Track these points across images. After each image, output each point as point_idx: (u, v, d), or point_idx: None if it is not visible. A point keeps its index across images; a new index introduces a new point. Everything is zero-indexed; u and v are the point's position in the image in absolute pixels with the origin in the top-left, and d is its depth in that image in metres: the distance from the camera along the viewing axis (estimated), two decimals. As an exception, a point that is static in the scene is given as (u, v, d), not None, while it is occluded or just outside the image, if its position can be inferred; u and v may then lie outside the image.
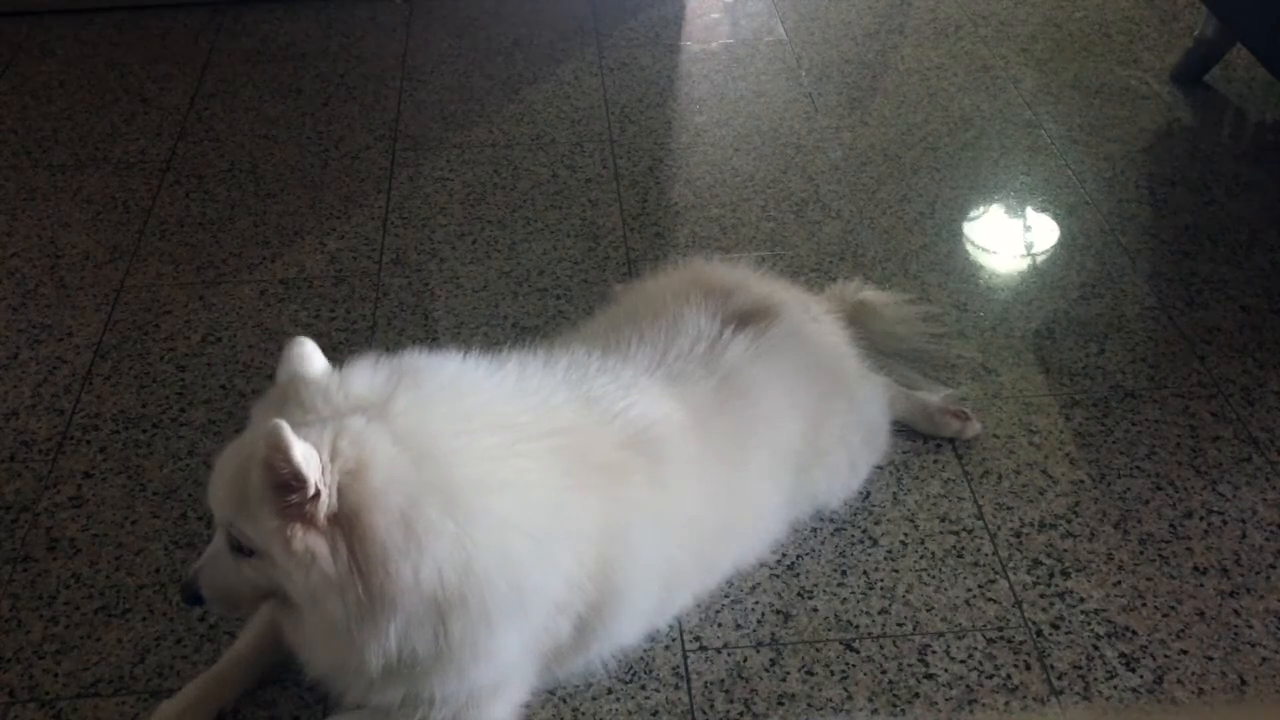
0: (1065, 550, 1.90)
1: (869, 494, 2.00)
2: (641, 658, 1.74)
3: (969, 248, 2.60)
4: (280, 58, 3.33)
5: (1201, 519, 1.95)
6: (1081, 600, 1.82)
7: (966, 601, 1.82)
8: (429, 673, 1.46)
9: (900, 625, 1.79)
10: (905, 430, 2.09)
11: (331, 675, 1.52)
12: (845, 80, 3.21)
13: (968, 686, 1.70)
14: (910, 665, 1.73)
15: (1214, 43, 3.05)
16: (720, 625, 1.79)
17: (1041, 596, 1.83)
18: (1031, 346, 2.31)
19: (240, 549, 1.41)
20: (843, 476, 1.94)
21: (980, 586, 1.85)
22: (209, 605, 1.52)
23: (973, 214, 2.71)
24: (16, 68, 3.29)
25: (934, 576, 1.86)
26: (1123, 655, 1.74)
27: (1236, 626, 1.78)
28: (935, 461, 2.06)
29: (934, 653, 1.75)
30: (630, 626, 1.67)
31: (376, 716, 1.54)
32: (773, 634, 1.77)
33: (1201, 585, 1.84)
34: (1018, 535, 1.93)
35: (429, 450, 1.39)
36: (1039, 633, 1.77)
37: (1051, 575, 1.86)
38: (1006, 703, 1.68)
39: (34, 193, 2.79)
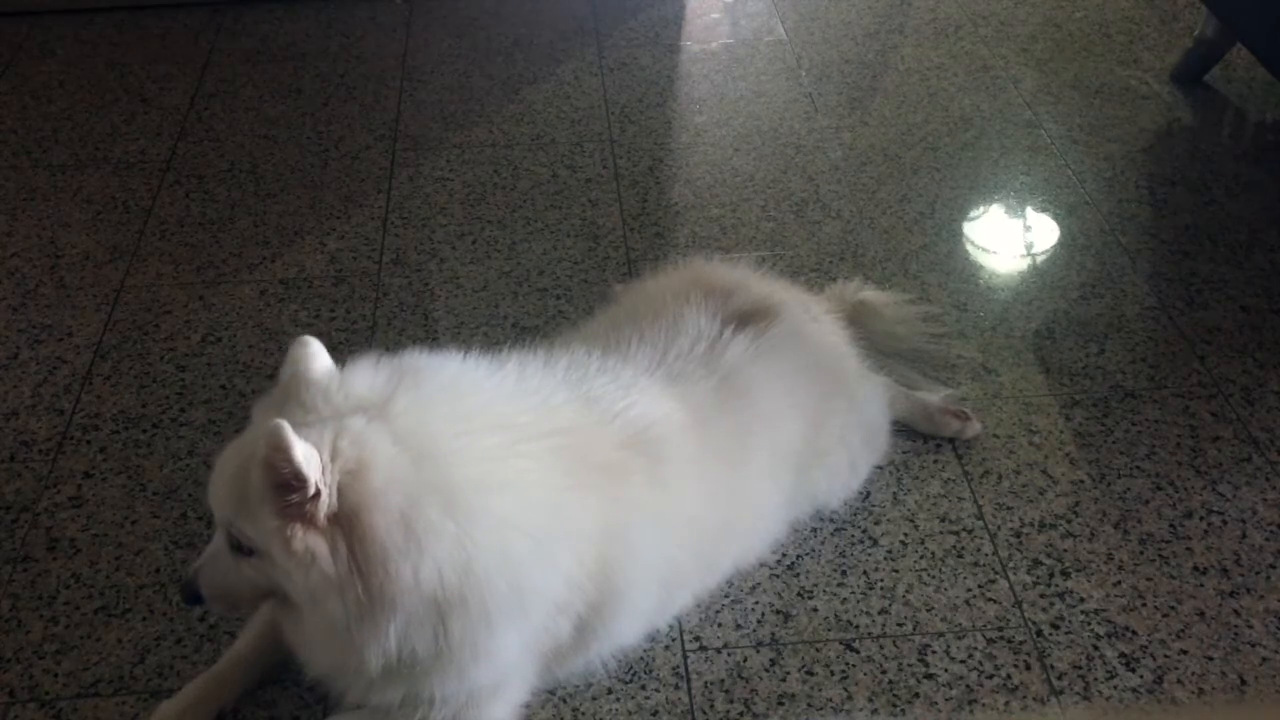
0: (1065, 550, 1.90)
1: (869, 494, 2.00)
2: (641, 658, 1.74)
3: (969, 248, 2.60)
4: (280, 58, 3.33)
5: (1201, 519, 1.95)
6: (1081, 600, 1.82)
7: (966, 601, 1.82)
8: (429, 673, 1.46)
9: (900, 625, 1.79)
10: (905, 430, 2.09)
11: (331, 675, 1.52)
12: (845, 80, 3.21)
13: (968, 686, 1.70)
14: (910, 665, 1.73)
15: (1214, 43, 3.05)
16: (720, 625, 1.79)
17: (1041, 596, 1.83)
18: (1031, 346, 2.31)
19: (240, 548, 1.41)
20: (843, 476, 1.94)
21: (980, 586, 1.85)
22: (209, 604, 1.51)
23: (973, 214, 2.71)
24: (16, 68, 3.29)
25: (934, 576, 1.86)
26: (1123, 655, 1.74)
27: (1236, 626, 1.78)
28: (935, 461, 2.07)
29: (934, 653, 1.75)
30: (630, 626, 1.67)
31: (376, 716, 1.54)
32: (773, 634, 1.78)
33: (1201, 585, 1.84)
34: (1018, 535, 1.93)
35: (429, 450, 1.39)
36: (1039, 633, 1.77)
37: (1051, 575, 1.86)
38: (1006, 703, 1.68)
39: (34, 193, 2.79)
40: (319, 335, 1.47)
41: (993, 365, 2.26)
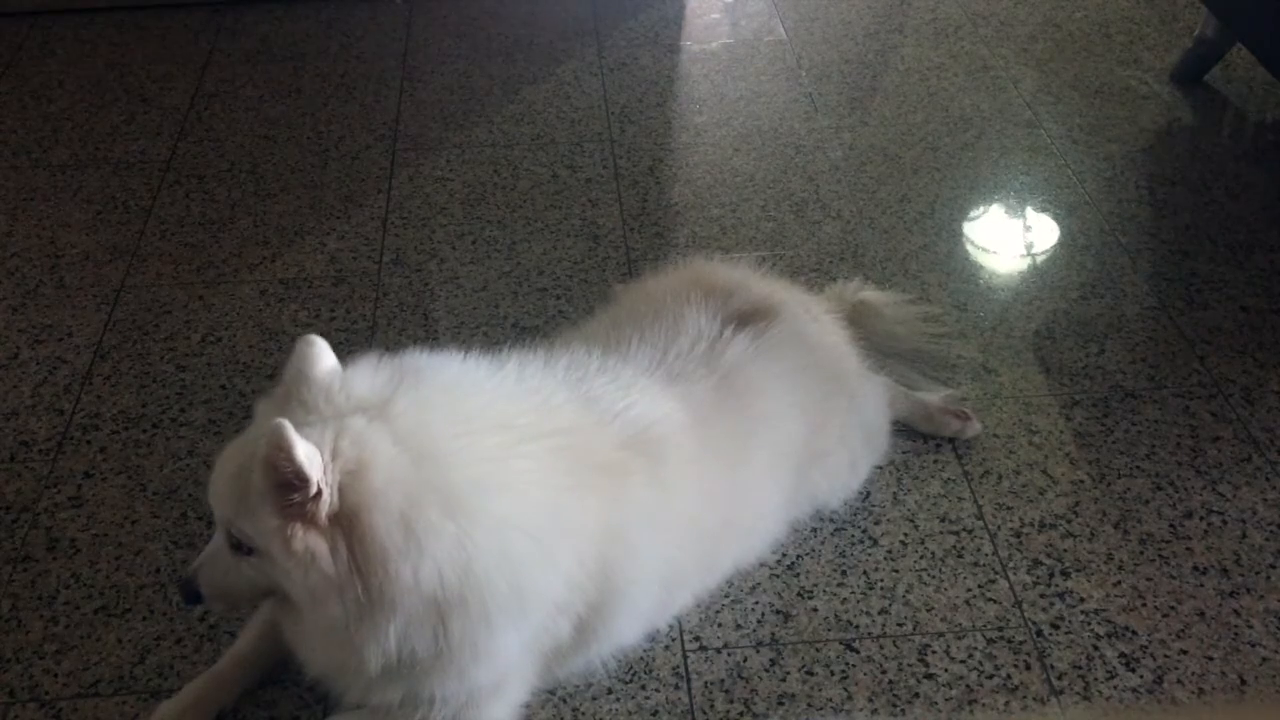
0: (1065, 550, 1.90)
1: (869, 494, 2.00)
2: (641, 658, 1.74)
3: (969, 248, 2.60)
4: (280, 58, 3.33)
5: (1201, 519, 1.95)
6: (1081, 600, 1.82)
7: (966, 601, 1.82)
8: (429, 673, 1.46)
9: (900, 625, 1.79)
10: (905, 430, 2.09)
11: (331, 675, 1.52)
12: (845, 80, 3.21)
13: (968, 686, 1.70)
14: (910, 665, 1.73)
15: (1214, 43, 3.05)
16: (720, 625, 1.79)
17: (1041, 596, 1.83)
18: (1031, 346, 2.31)
19: (240, 547, 1.41)
20: (843, 476, 1.94)
21: (980, 586, 1.85)
22: (208, 604, 1.51)
23: (973, 214, 2.71)
24: (16, 68, 3.29)
25: (934, 576, 1.86)
26: (1123, 655, 1.74)
27: (1236, 626, 1.78)
28: (935, 461, 2.07)
29: (934, 653, 1.75)
30: (630, 626, 1.67)
31: (376, 716, 1.54)
32: (773, 634, 1.78)
33: (1201, 585, 1.84)
34: (1018, 535, 1.93)
35: (429, 451, 1.39)
36: (1039, 633, 1.77)
37: (1051, 575, 1.86)
38: (1006, 703, 1.68)
39: (34, 193, 2.79)
40: (319, 335, 1.47)
41: (993, 365, 2.26)
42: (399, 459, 1.37)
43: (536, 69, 3.26)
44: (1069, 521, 1.95)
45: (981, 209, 2.73)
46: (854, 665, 1.73)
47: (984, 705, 1.68)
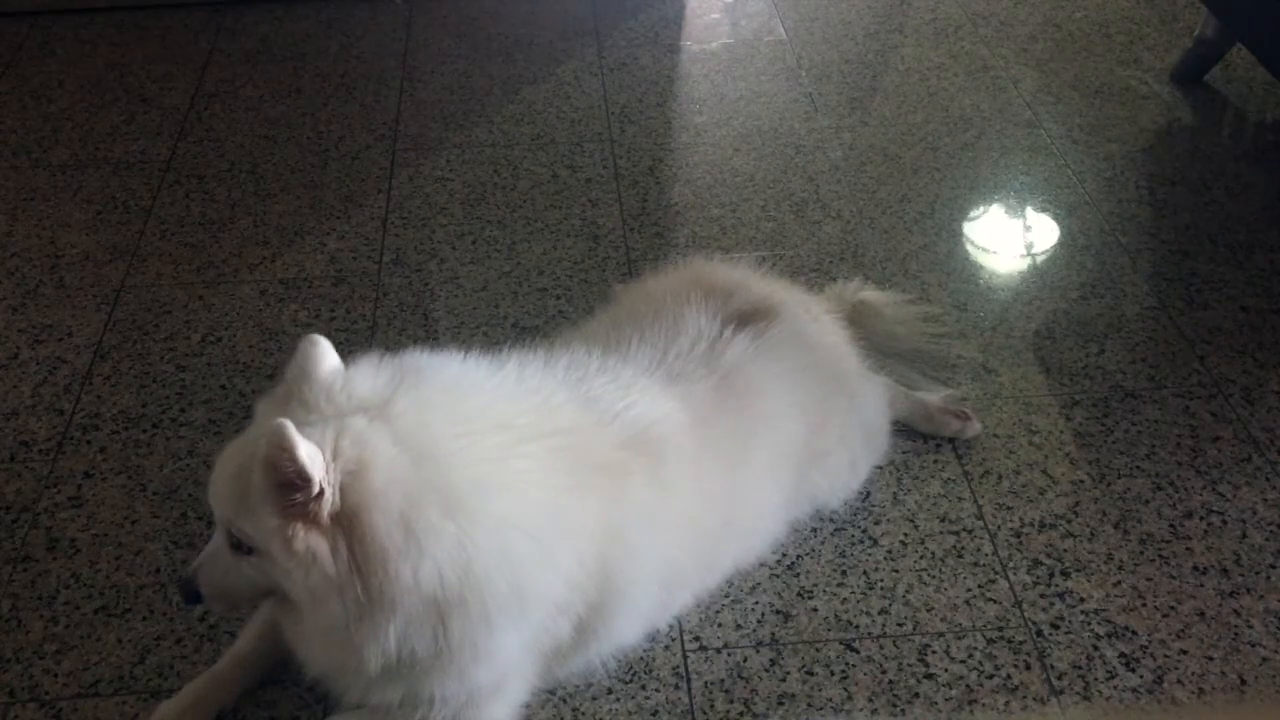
0: (1065, 550, 1.90)
1: (869, 494, 2.00)
2: (641, 658, 1.74)
3: (969, 248, 2.60)
4: (280, 58, 3.33)
5: (1201, 519, 1.96)
6: (1081, 600, 1.82)
7: (966, 601, 1.82)
8: (429, 673, 1.46)
9: (900, 625, 1.79)
10: (905, 430, 2.09)
11: (331, 675, 1.52)
12: (845, 80, 3.21)
13: (968, 686, 1.70)
14: (910, 665, 1.73)
15: (1214, 43, 3.05)
16: (720, 625, 1.79)
17: (1041, 596, 1.83)
18: (1031, 346, 2.31)
19: (240, 547, 1.41)
20: (843, 476, 1.94)
21: (980, 586, 1.85)
22: (208, 603, 1.51)
23: (973, 214, 2.71)
24: (16, 68, 3.29)
25: (934, 576, 1.86)
26: (1123, 655, 1.74)
27: (1236, 626, 1.78)
28: (935, 461, 2.07)
29: (934, 653, 1.75)
30: (630, 626, 1.67)
31: (376, 716, 1.54)
32: (773, 634, 1.78)
33: (1201, 585, 1.84)
34: (1018, 535, 1.93)
35: (429, 451, 1.39)
36: (1039, 633, 1.77)
37: (1051, 575, 1.86)
38: (1006, 703, 1.68)
39: (34, 193, 2.79)
40: (320, 335, 1.47)
41: (993, 365, 2.26)
42: (399, 459, 1.37)
43: (536, 69, 3.26)
44: (1069, 521, 1.95)
45: (981, 209, 2.73)
46: (854, 665, 1.73)
47: (984, 705, 1.68)
